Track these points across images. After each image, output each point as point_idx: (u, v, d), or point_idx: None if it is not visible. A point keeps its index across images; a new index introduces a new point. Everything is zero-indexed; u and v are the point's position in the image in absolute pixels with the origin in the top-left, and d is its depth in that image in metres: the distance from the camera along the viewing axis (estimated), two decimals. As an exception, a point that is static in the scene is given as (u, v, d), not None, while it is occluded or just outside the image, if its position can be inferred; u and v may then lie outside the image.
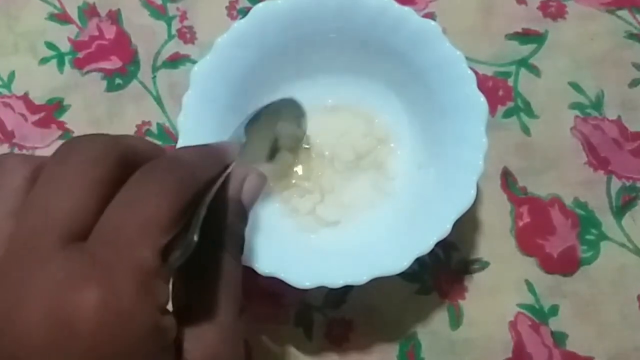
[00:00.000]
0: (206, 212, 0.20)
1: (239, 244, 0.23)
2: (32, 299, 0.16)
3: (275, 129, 0.33)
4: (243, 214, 0.23)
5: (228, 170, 0.23)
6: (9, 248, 0.17)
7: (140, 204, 0.18)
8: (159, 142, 0.38)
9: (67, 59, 0.40)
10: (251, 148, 0.28)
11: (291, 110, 0.34)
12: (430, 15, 0.39)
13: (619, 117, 0.37)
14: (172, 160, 0.20)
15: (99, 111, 0.39)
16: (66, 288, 0.16)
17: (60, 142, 0.38)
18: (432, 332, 0.33)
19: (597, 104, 0.37)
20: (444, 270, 0.34)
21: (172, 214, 0.18)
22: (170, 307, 0.20)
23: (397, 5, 0.32)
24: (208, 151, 0.23)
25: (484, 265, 0.34)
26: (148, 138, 0.38)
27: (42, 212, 0.17)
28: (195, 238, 0.19)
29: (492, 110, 0.37)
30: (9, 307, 0.16)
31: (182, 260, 0.19)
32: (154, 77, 0.40)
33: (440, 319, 0.34)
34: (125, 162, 0.19)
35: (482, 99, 0.31)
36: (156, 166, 0.19)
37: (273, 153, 0.34)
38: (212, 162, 0.22)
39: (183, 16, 0.41)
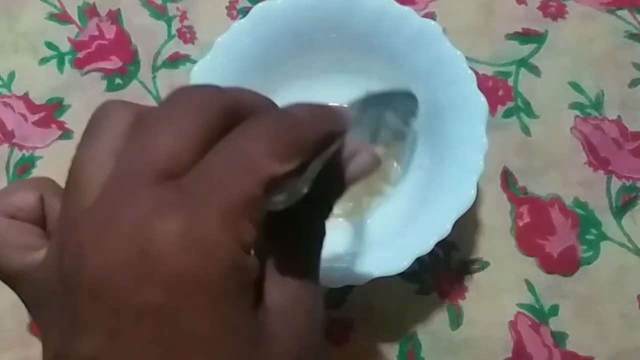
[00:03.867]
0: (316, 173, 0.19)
1: (327, 212, 0.22)
2: (117, 227, 0.16)
3: (382, 119, 0.31)
4: (339, 188, 0.22)
5: (342, 138, 0.21)
6: (106, 184, 0.17)
7: (239, 148, 0.17)
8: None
9: (67, 58, 0.40)
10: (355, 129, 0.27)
11: (404, 103, 0.32)
12: (430, 15, 0.39)
13: (619, 117, 0.37)
14: (280, 111, 0.20)
15: (99, 111, 0.39)
16: (151, 216, 0.16)
17: (60, 142, 0.39)
18: (432, 332, 0.33)
19: (597, 104, 0.37)
20: (444, 270, 0.34)
21: (272, 158, 0.17)
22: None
23: (397, 5, 0.32)
24: (323, 111, 0.21)
25: (484, 265, 0.34)
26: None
27: (141, 151, 0.17)
28: (305, 190, 0.18)
29: (492, 110, 0.37)
30: (96, 237, 0.16)
31: (284, 206, 0.18)
32: (154, 77, 0.40)
33: (440, 318, 0.34)
34: (231, 112, 0.19)
35: (482, 98, 0.31)
36: (262, 116, 0.19)
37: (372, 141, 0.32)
38: (324, 122, 0.21)
39: (183, 16, 0.41)
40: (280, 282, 0.19)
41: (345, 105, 0.25)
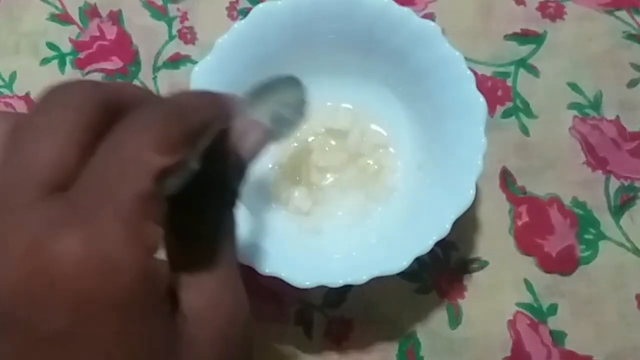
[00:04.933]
0: (203, 160, 0.19)
1: (233, 198, 0.21)
2: (9, 253, 0.15)
3: (274, 110, 0.32)
4: (240, 169, 0.22)
5: (229, 118, 0.21)
6: None
7: (124, 145, 0.16)
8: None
9: (68, 59, 0.40)
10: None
11: (293, 92, 0.32)
12: (430, 16, 0.39)
13: (618, 117, 0.37)
14: (162, 101, 0.19)
15: (100, 111, 0.39)
16: (45, 236, 0.15)
17: (61, 142, 0.39)
18: (432, 331, 0.34)
19: (596, 104, 0.37)
20: (443, 269, 0.35)
21: (159, 151, 0.16)
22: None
23: (396, 5, 0.32)
24: (208, 96, 0.21)
25: (483, 264, 0.35)
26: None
27: (20, 165, 0.16)
28: (196, 165, 0.17)
29: (491, 110, 0.37)
30: None
31: (178, 188, 0.17)
32: (155, 77, 0.40)
33: (439, 318, 0.34)
34: (111, 107, 0.18)
35: (481, 99, 0.31)
36: (144, 108, 0.18)
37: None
38: (210, 107, 0.20)
39: (184, 17, 0.41)
40: (195, 284, 0.19)
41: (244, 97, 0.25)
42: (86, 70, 0.40)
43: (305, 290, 0.30)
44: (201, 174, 0.19)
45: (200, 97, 0.20)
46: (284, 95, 0.31)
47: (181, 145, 0.17)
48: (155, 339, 0.16)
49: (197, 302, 0.18)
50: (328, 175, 0.35)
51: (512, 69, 0.38)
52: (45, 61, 0.40)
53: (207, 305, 0.18)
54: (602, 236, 0.35)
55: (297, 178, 0.35)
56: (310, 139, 0.36)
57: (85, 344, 0.15)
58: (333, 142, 0.35)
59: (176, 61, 0.40)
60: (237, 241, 0.21)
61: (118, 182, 0.16)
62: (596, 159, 0.36)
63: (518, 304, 0.34)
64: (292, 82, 0.31)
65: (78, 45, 0.41)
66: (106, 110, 0.18)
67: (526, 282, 0.34)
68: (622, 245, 0.34)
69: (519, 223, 0.35)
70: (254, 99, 0.28)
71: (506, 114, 0.37)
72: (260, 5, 0.33)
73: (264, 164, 0.35)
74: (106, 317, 0.15)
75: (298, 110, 0.32)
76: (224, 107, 0.21)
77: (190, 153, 0.18)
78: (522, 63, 0.38)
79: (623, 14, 0.39)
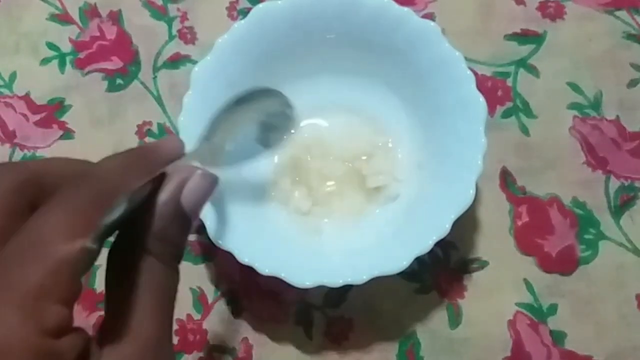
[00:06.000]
0: (131, 215, 0.19)
1: (173, 250, 0.20)
2: None
3: (261, 120, 0.32)
4: (181, 218, 0.21)
5: (161, 171, 0.21)
6: None
7: (29, 232, 0.17)
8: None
9: (68, 59, 0.40)
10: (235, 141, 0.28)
11: (274, 101, 0.32)
12: (430, 16, 0.39)
13: (618, 117, 0.37)
14: (82, 177, 0.19)
15: (100, 111, 0.39)
16: None
17: (61, 142, 0.39)
18: (432, 331, 0.34)
19: (596, 104, 0.37)
20: (443, 269, 0.35)
21: (66, 239, 0.17)
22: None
23: (396, 5, 0.32)
24: (136, 154, 0.21)
25: (483, 264, 0.35)
26: (149, 138, 0.38)
27: None
28: (90, 245, 0.17)
29: (491, 110, 0.37)
30: None
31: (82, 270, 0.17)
32: (155, 77, 0.40)
33: (439, 318, 0.34)
34: (32, 190, 0.18)
35: (481, 99, 0.31)
36: (62, 190, 0.18)
37: (265, 141, 0.33)
38: (138, 167, 0.20)
39: (184, 17, 0.41)
40: (114, 350, 0.18)
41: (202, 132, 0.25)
42: (86, 70, 0.40)
43: (305, 290, 0.30)
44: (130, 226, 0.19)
45: (125, 159, 0.20)
46: (265, 105, 0.32)
47: (92, 227, 0.17)
48: None
49: None
50: (327, 175, 0.35)
51: (512, 69, 0.38)
52: (45, 61, 0.40)
53: None
54: (602, 236, 0.35)
55: (297, 178, 0.35)
56: (309, 139, 0.36)
57: None
58: (332, 142, 0.35)
59: (176, 61, 0.40)
60: (172, 302, 0.20)
61: (19, 267, 0.16)
62: (596, 159, 0.36)
63: (518, 304, 0.34)
64: (270, 93, 0.32)
65: (78, 45, 0.41)
66: (25, 194, 0.18)
67: (526, 282, 0.34)
68: (622, 245, 0.34)
69: (519, 223, 0.35)
70: (224, 119, 0.28)
71: (506, 114, 0.37)
72: (260, 5, 0.33)
73: (264, 164, 0.35)
74: None
75: (285, 116, 0.32)
76: (153, 162, 0.21)
77: (104, 221, 0.18)
78: (522, 63, 0.38)
79: (623, 14, 0.39)
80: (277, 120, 0.33)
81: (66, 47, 0.41)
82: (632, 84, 0.37)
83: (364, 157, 0.35)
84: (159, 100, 0.39)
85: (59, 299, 0.17)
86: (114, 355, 0.18)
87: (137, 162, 0.21)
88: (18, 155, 0.39)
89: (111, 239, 0.20)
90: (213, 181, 0.22)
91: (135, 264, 0.19)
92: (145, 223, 0.20)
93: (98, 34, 0.41)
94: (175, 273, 0.21)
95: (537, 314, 0.34)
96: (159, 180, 0.21)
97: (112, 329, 0.19)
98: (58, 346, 0.17)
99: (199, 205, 0.22)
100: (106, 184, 0.18)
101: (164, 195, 0.20)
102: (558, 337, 0.33)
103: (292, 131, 0.33)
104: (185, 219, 0.21)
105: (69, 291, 0.17)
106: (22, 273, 0.16)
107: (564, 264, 0.34)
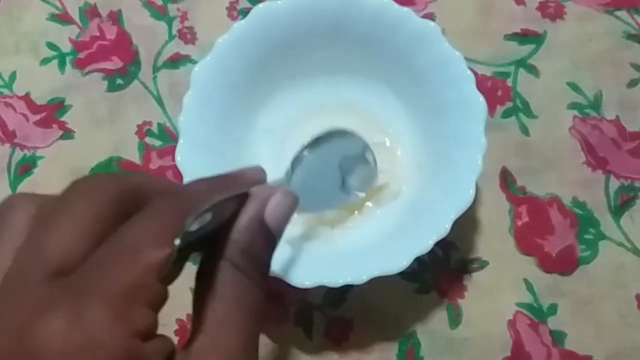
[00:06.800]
0: (218, 231, 0.20)
1: (259, 266, 0.21)
2: (3, 329, 0.16)
3: (340, 161, 0.32)
4: (266, 234, 0.22)
5: (244, 190, 0.22)
6: (0, 285, 0.18)
7: (125, 236, 0.18)
8: (159, 142, 0.38)
9: (68, 59, 0.40)
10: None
11: (354, 142, 0.32)
12: (430, 16, 0.39)
13: (617, 117, 0.37)
14: (173, 194, 0.20)
15: (100, 111, 0.39)
16: (34, 316, 0.16)
17: (62, 142, 0.39)
18: (431, 331, 0.34)
19: (596, 104, 0.37)
20: (443, 269, 0.35)
21: (157, 245, 0.17)
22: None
23: (396, 5, 0.32)
24: (223, 176, 0.22)
25: (483, 264, 0.35)
26: (149, 138, 0.38)
27: (33, 250, 0.18)
28: (177, 243, 0.18)
29: (491, 110, 0.37)
30: None
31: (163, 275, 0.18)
32: (155, 77, 0.40)
33: (439, 318, 0.34)
34: (128, 199, 0.19)
35: (481, 99, 0.31)
36: (155, 202, 0.19)
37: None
38: (223, 186, 0.21)
39: (184, 17, 0.41)
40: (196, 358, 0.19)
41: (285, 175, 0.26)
42: (86, 70, 0.40)
43: (305, 290, 0.30)
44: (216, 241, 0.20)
45: (211, 183, 0.22)
46: (344, 147, 0.32)
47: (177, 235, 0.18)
48: None
49: None
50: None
51: (512, 69, 0.38)
52: (45, 61, 0.40)
53: None
54: (602, 236, 0.35)
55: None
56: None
57: None
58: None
59: (176, 61, 0.40)
60: (258, 316, 0.21)
61: (111, 269, 0.17)
62: (596, 159, 0.36)
63: (518, 304, 0.34)
64: (346, 135, 0.32)
65: (78, 45, 0.41)
66: (122, 202, 0.19)
67: (526, 282, 0.34)
68: (622, 245, 0.34)
69: (519, 223, 0.35)
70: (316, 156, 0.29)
71: (506, 114, 0.37)
72: (260, 5, 0.33)
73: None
74: None
75: (364, 160, 0.33)
76: (236, 186, 0.22)
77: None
78: (522, 63, 0.38)
79: (623, 14, 0.39)
80: (355, 165, 0.33)
81: (66, 47, 0.41)
82: (632, 84, 0.37)
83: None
84: (159, 100, 0.39)
85: (148, 303, 0.17)
86: None
87: (224, 182, 0.22)
88: (18, 155, 0.39)
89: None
90: (295, 199, 0.23)
91: (223, 278, 0.20)
92: (231, 238, 0.20)
93: (98, 34, 0.41)
94: (262, 290, 0.21)
95: (537, 314, 0.34)
96: (244, 200, 0.21)
97: (198, 339, 0.19)
98: (145, 348, 0.17)
99: (282, 222, 0.22)
100: (194, 197, 0.19)
101: (249, 211, 0.21)
102: (558, 337, 0.33)
103: (374, 178, 0.34)
104: (270, 235, 0.22)
105: (156, 295, 0.18)
106: (113, 275, 0.17)
107: (564, 264, 0.34)
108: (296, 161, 0.29)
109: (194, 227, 0.18)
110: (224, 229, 0.20)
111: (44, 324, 0.16)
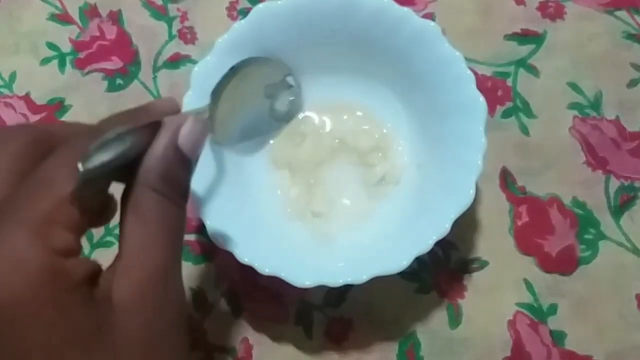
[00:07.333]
0: (135, 160, 0.21)
1: (180, 190, 0.23)
2: None
3: (264, 89, 0.33)
4: (182, 160, 0.23)
5: (156, 119, 0.23)
6: None
7: (40, 169, 0.20)
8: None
9: (68, 59, 0.40)
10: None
11: (275, 69, 0.33)
12: (430, 16, 0.39)
13: (617, 117, 0.37)
14: (84, 132, 0.22)
15: (100, 111, 0.39)
16: None
17: (61, 142, 0.39)
18: (431, 331, 0.34)
19: (596, 104, 0.37)
20: (443, 269, 0.35)
21: (71, 168, 0.19)
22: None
23: (396, 5, 0.32)
24: (134, 109, 0.24)
25: (483, 264, 0.35)
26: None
27: None
28: (80, 167, 0.20)
29: (491, 110, 0.37)
30: None
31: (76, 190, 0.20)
32: (155, 77, 0.40)
33: (439, 318, 0.34)
34: (41, 142, 0.21)
35: (481, 99, 0.31)
36: (71, 139, 0.21)
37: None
38: (134, 117, 0.23)
39: (184, 17, 0.41)
40: (124, 274, 0.20)
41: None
42: (86, 70, 0.40)
43: (305, 290, 0.30)
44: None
45: (120, 117, 0.23)
46: (265, 75, 0.33)
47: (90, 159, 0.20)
48: (70, 326, 0.19)
49: (124, 292, 0.20)
50: (327, 175, 0.35)
51: (512, 69, 0.38)
52: (45, 61, 0.40)
53: (134, 295, 0.20)
54: (602, 236, 0.35)
55: (296, 178, 0.35)
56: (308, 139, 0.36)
57: (5, 336, 0.18)
58: (332, 142, 0.35)
59: (176, 61, 0.40)
60: (181, 235, 0.23)
61: (29, 199, 0.19)
62: (596, 159, 0.36)
63: (518, 304, 0.34)
64: (268, 62, 0.33)
65: (78, 45, 0.41)
66: (35, 144, 0.21)
67: (526, 282, 0.34)
68: (622, 245, 0.34)
69: (519, 223, 0.35)
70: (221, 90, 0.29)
71: (506, 114, 0.37)
72: (260, 5, 0.33)
73: (264, 163, 0.35)
74: (15, 309, 0.18)
75: (286, 85, 0.33)
76: (143, 117, 0.23)
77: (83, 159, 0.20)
78: (522, 63, 0.38)
79: (623, 13, 0.39)
80: (280, 90, 0.33)
81: (66, 47, 0.41)
82: (632, 84, 0.37)
83: (363, 156, 0.35)
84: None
85: (65, 225, 0.19)
86: (123, 280, 0.20)
87: (134, 114, 0.24)
88: (18, 155, 0.39)
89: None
90: (205, 124, 0.24)
91: (143, 201, 0.21)
92: (148, 165, 0.22)
93: (98, 34, 0.41)
94: (182, 210, 0.23)
95: (537, 314, 0.34)
96: (156, 130, 0.22)
97: (123, 257, 0.21)
98: (65, 264, 0.19)
99: (196, 147, 0.24)
100: (104, 131, 0.21)
101: (161, 139, 0.22)
102: (558, 337, 0.33)
103: (292, 98, 0.34)
104: (185, 159, 0.23)
105: (73, 220, 0.20)
106: (30, 203, 0.19)
107: (564, 264, 0.34)
108: (215, 93, 0.30)
109: (106, 156, 0.20)
110: (142, 157, 0.22)
111: None
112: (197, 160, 0.24)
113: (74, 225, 0.20)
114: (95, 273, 0.20)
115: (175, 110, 0.25)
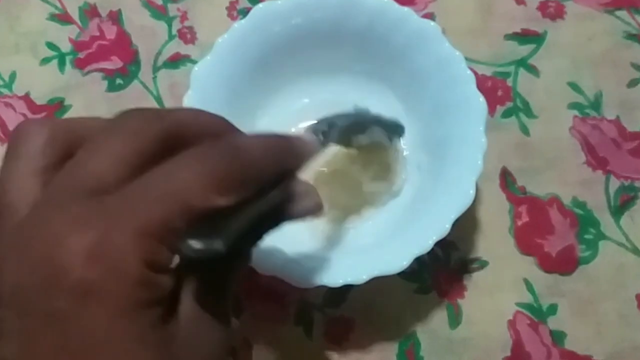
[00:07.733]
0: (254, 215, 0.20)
1: (244, 264, 0.23)
2: (36, 240, 0.17)
3: (367, 128, 0.32)
4: (275, 222, 0.23)
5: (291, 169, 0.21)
6: (35, 203, 0.18)
7: (170, 173, 0.18)
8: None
9: (68, 59, 0.40)
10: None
11: (392, 126, 0.32)
12: (430, 16, 0.39)
13: (618, 117, 0.37)
14: (229, 141, 0.20)
15: (100, 111, 0.39)
16: (66, 229, 0.17)
17: (61, 142, 0.39)
18: (431, 331, 0.34)
19: (596, 104, 0.37)
20: (443, 269, 0.35)
21: (206, 189, 0.18)
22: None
23: (396, 5, 0.32)
24: (278, 144, 0.21)
25: (483, 264, 0.35)
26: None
27: (72, 172, 0.18)
28: (221, 247, 0.18)
29: (491, 110, 0.37)
30: (17, 250, 0.18)
31: (195, 255, 0.18)
32: (155, 77, 0.40)
33: (439, 318, 0.34)
34: (171, 137, 0.19)
35: (481, 99, 0.31)
36: (206, 144, 0.19)
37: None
38: (277, 158, 0.21)
39: (184, 16, 0.41)
40: (193, 307, 0.20)
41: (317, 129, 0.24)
42: (86, 70, 0.40)
43: (305, 290, 0.30)
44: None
45: (272, 143, 0.21)
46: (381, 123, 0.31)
47: (232, 191, 0.18)
48: (141, 336, 0.18)
49: (190, 320, 0.20)
50: (327, 175, 0.35)
51: (512, 68, 0.38)
52: (45, 61, 0.40)
53: (197, 330, 0.20)
54: (602, 236, 0.35)
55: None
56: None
57: (81, 329, 0.17)
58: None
59: (176, 61, 0.40)
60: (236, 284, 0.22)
61: (150, 201, 0.17)
62: (596, 159, 0.36)
63: (518, 304, 0.34)
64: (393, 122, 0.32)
65: (78, 45, 0.41)
66: (164, 139, 0.19)
67: (526, 281, 0.34)
68: (622, 245, 0.34)
69: (519, 223, 0.35)
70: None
71: (506, 114, 0.37)
72: (260, 5, 0.33)
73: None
74: (98, 307, 0.17)
75: (389, 137, 0.33)
76: (293, 160, 0.22)
77: (222, 234, 0.19)
78: (522, 63, 0.38)
79: (623, 13, 0.39)
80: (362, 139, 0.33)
81: (66, 47, 0.41)
82: (632, 84, 0.37)
83: (362, 156, 0.35)
84: (159, 100, 0.39)
85: (169, 244, 0.18)
86: (193, 315, 0.20)
87: (278, 153, 0.21)
88: (18, 155, 0.39)
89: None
90: (320, 209, 0.24)
91: (238, 261, 0.22)
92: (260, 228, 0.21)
93: (98, 33, 0.41)
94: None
95: (537, 314, 0.34)
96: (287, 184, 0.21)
97: (195, 299, 0.20)
98: (160, 281, 0.18)
99: (296, 221, 0.24)
100: (246, 158, 0.19)
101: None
102: (558, 337, 0.33)
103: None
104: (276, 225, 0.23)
105: (178, 239, 0.18)
106: (147, 207, 0.17)
107: (564, 264, 0.34)
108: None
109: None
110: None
111: (72, 237, 0.17)
112: None
113: (175, 246, 0.18)
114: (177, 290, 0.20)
115: (315, 154, 0.24)
